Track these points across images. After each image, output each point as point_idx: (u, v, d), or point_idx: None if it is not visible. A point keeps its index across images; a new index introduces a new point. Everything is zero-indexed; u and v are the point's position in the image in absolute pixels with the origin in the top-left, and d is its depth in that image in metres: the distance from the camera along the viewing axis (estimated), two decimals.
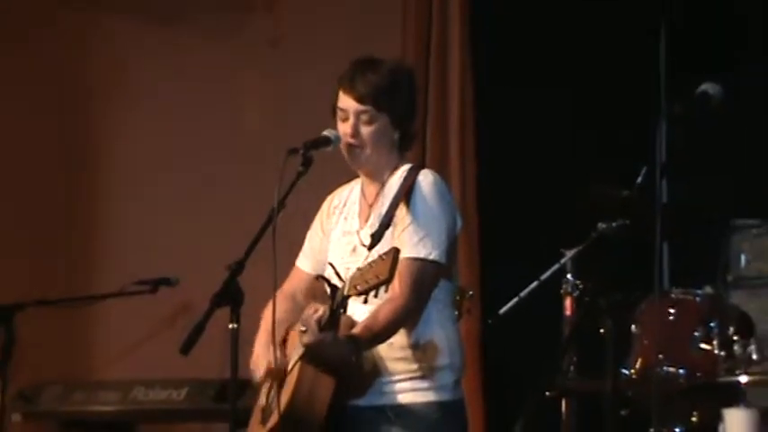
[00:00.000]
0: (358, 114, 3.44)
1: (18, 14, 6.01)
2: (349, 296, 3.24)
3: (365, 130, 3.44)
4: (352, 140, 3.44)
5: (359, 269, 3.24)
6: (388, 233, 3.35)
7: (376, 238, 3.34)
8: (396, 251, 3.17)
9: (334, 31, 5.57)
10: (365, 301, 3.23)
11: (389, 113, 3.44)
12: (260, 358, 3.46)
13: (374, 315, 3.31)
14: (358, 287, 3.20)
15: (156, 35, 5.94)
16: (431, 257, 3.35)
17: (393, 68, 3.51)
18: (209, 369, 4.71)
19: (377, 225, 3.38)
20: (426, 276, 3.36)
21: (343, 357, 3.28)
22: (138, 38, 5.96)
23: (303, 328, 3.26)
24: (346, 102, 3.45)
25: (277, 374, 3.39)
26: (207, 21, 5.92)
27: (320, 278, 3.36)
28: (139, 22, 5.97)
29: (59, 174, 5.99)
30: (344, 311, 3.29)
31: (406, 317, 3.35)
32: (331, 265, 3.40)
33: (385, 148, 3.47)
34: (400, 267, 3.28)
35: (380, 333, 3.32)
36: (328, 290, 3.28)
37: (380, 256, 3.19)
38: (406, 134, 3.50)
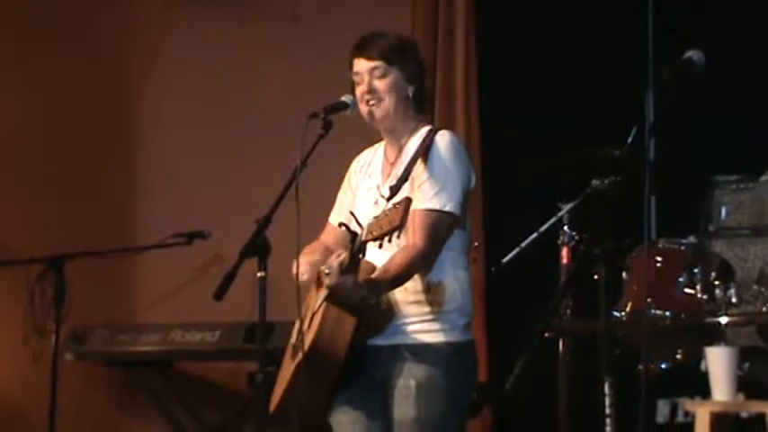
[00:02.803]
0: (371, 71, 3.42)
1: (60, 2, 6.01)
2: (366, 241, 3.23)
3: (379, 84, 3.42)
4: (368, 96, 3.42)
5: (375, 217, 3.25)
6: (405, 186, 3.34)
7: (394, 190, 3.33)
8: (408, 200, 3.17)
9: (350, 11, 5.55)
10: (380, 246, 3.23)
11: (400, 68, 3.42)
12: (303, 263, 3.42)
13: (391, 260, 3.31)
14: (374, 233, 3.19)
15: (186, 14, 5.94)
16: (446, 209, 3.34)
17: (400, 36, 3.53)
18: (240, 313, 4.73)
19: (396, 179, 3.38)
20: (441, 226, 3.34)
21: (362, 298, 3.29)
22: (171, 18, 5.96)
23: (327, 271, 3.26)
24: (359, 65, 3.45)
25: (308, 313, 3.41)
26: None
27: (342, 225, 3.36)
28: (172, 3, 5.96)
29: (105, 139, 6.00)
30: (363, 256, 3.28)
31: (421, 263, 3.34)
32: (352, 214, 3.40)
33: (401, 102, 3.44)
34: (417, 218, 3.29)
35: (397, 277, 3.31)
36: (349, 236, 3.28)
37: (394, 205, 3.19)
38: (419, 91, 3.47)
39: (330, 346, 3.30)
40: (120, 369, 5.70)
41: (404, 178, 3.34)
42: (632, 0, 4.93)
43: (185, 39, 5.93)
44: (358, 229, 3.28)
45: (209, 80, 5.87)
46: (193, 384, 5.75)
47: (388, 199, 3.32)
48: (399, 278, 3.32)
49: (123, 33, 6.03)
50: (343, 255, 3.27)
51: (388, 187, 3.36)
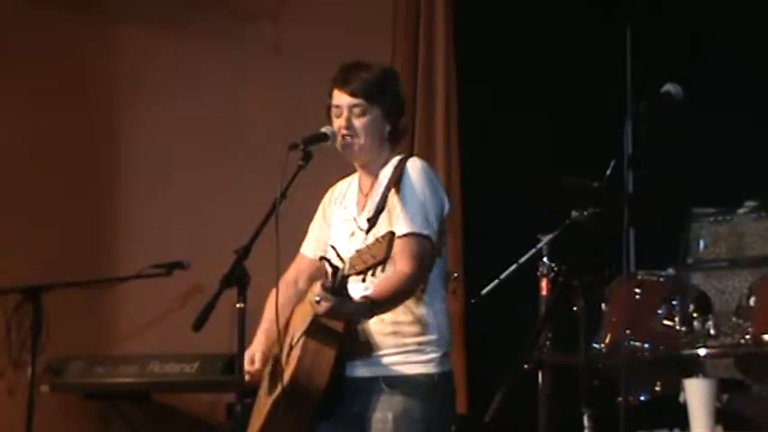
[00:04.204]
0: (351, 108, 3.44)
1: (44, 29, 6.00)
2: (349, 275, 3.22)
3: (358, 122, 3.44)
4: (345, 132, 3.44)
5: (357, 251, 3.23)
6: (383, 217, 3.35)
7: (372, 222, 3.35)
8: (391, 234, 3.17)
9: (331, 41, 5.57)
10: (363, 280, 3.22)
11: (380, 107, 3.44)
12: (251, 353, 3.46)
13: (382, 284, 3.29)
14: (357, 267, 3.18)
15: (169, 44, 5.95)
16: (424, 233, 3.35)
17: (382, 68, 3.54)
18: (219, 344, 4.70)
19: (372, 211, 3.39)
20: (424, 249, 3.35)
21: (360, 314, 3.25)
22: (154, 48, 5.97)
23: (317, 298, 3.22)
24: (340, 98, 3.46)
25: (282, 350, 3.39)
26: (215, 30, 5.92)
27: (323, 258, 3.35)
28: (155, 34, 5.97)
29: (85, 169, 5.98)
30: (346, 290, 3.24)
31: (412, 285, 3.33)
32: (333, 247, 3.39)
33: (377, 140, 3.46)
34: (399, 245, 3.28)
35: (390, 299, 3.30)
36: (329, 269, 3.25)
37: (377, 239, 3.18)
38: (395, 128, 3.49)
39: (310, 379, 3.29)
40: (98, 401, 5.65)
41: (380, 210, 3.36)
42: (611, 33, 4.98)
43: (168, 69, 5.94)
44: (339, 263, 3.27)
45: (190, 110, 5.87)
46: (171, 416, 5.71)
47: (367, 231, 3.33)
48: (393, 301, 3.30)
49: (107, 63, 6.03)
50: (325, 281, 3.24)
51: (366, 219, 3.37)
